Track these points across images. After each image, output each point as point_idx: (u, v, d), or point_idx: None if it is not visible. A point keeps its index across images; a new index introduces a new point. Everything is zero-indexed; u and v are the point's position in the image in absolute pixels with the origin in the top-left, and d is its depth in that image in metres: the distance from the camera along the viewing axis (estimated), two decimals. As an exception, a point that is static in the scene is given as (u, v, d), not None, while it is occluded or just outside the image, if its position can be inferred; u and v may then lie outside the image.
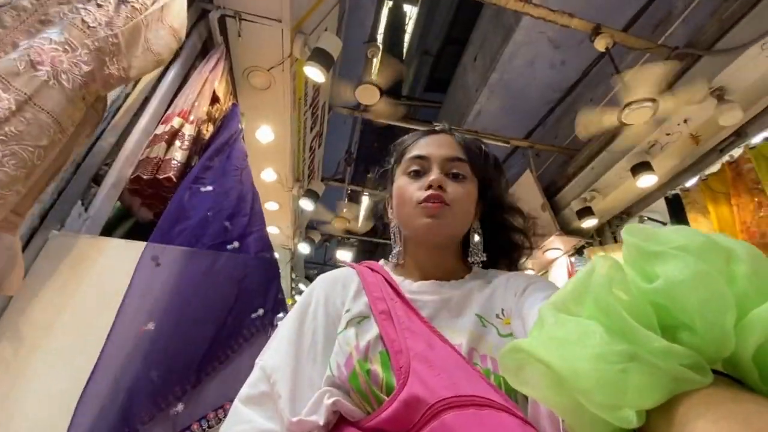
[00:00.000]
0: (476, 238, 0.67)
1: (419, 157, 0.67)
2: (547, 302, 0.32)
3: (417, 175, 0.66)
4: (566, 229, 3.47)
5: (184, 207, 1.27)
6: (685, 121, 2.52)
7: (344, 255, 5.63)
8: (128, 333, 1.01)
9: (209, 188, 1.33)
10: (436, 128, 0.74)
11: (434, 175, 0.64)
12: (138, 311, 1.05)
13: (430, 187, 0.63)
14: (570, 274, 3.52)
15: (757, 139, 2.51)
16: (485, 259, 0.67)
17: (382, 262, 0.72)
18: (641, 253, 0.28)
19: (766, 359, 0.23)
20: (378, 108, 2.73)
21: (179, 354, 1.03)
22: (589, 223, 3.28)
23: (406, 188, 0.66)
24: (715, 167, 2.78)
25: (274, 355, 0.57)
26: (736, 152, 2.63)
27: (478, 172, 0.69)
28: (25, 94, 0.77)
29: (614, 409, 0.25)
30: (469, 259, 0.67)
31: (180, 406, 0.98)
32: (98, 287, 1.14)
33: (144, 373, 0.97)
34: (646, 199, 3.30)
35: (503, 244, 0.73)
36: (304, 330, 0.59)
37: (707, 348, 0.24)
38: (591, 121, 2.32)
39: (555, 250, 3.66)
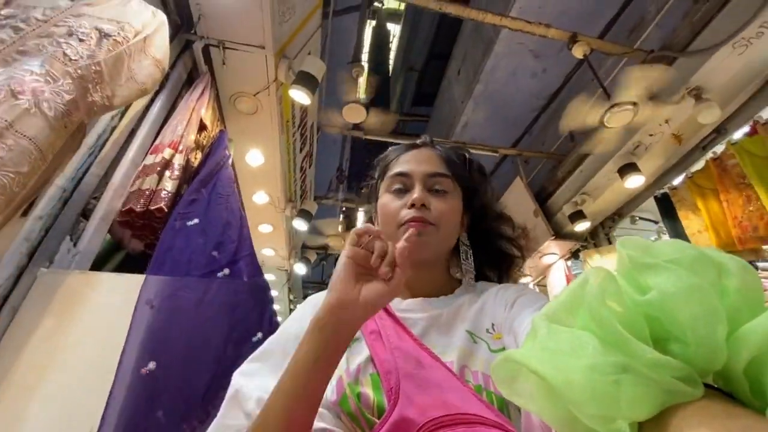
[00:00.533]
0: (467, 256, 0.66)
1: (401, 174, 0.67)
2: (540, 313, 0.32)
3: (400, 192, 0.66)
4: (560, 234, 3.49)
5: (171, 245, 1.28)
6: (667, 121, 2.58)
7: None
8: (130, 377, 1.01)
9: (195, 221, 1.33)
10: (418, 142, 0.73)
11: (417, 193, 0.63)
12: (137, 354, 1.04)
13: (413, 206, 0.62)
14: (568, 278, 3.52)
15: (737, 135, 2.56)
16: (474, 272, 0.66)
17: None
18: (635, 265, 0.28)
19: (757, 373, 0.23)
20: (368, 123, 2.75)
21: (183, 390, 1.03)
22: (582, 226, 3.30)
23: (390, 206, 0.65)
24: (699, 164, 2.83)
25: (251, 384, 0.54)
26: (719, 149, 2.69)
27: (462, 183, 0.69)
28: (6, 121, 0.76)
29: (607, 420, 0.25)
30: (459, 275, 0.66)
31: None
32: (91, 323, 1.12)
33: (151, 414, 0.96)
34: (636, 199, 3.34)
35: (491, 253, 0.72)
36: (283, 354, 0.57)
37: (699, 361, 0.24)
38: (577, 115, 2.34)
39: (551, 255, 3.68)
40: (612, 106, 2.18)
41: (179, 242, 1.29)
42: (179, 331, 1.10)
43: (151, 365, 1.02)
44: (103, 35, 0.98)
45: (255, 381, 0.52)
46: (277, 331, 0.61)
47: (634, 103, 2.15)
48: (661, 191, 3.12)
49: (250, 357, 0.58)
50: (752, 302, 0.25)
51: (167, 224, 1.34)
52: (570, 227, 3.36)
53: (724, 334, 0.24)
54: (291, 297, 5.21)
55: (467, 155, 0.74)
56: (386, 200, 0.66)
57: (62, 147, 0.92)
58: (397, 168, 0.68)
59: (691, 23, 2.33)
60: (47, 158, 0.85)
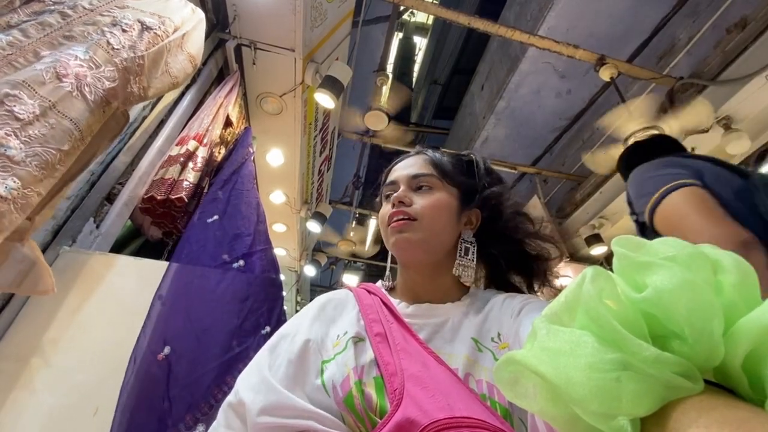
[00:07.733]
0: (467, 252, 0.64)
1: (390, 183, 0.70)
2: (540, 314, 0.32)
3: (389, 198, 0.68)
4: (575, 256, 3.43)
5: (189, 238, 1.31)
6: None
7: (350, 278, 5.58)
8: (145, 362, 1.02)
9: (215, 218, 1.37)
10: (412, 152, 0.75)
11: (398, 192, 0.66)
12: (153, 340, 1.06)
13: (395, 205, 0.65)
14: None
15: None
16: (473, 273, 0.63)
17: (379, 283, 0.72)
18: (631, 264, 0.29)
19: (755, 367, 0.23)
20: (386, 133, 2.78)
21: (191, 379, 1.04)
22: (599, 250, 3.24)
23: (381, 212, 0.68)
24: (725, 196, 2.75)
25: (247, 389, 0.52)
26: (747, 181, 2.62)
27: (453, 180, 0.68)
28: (50, 101, 0.81)
29: (609, 418, 0.25)
30: (453, 271, 0.63)
31: (201, 427, 0.98)
32: (106, 304, 1.15)
33: (158, 403, 0.98)
34: (656, 227, 3.26)
35: (515, 256, 0.68)
36: (281, 352, 0.56)
37: (697, 356, 0.24)
38: (622, 113, 2.28)
39: (565, 277, 3.61)
40: (640, 130, 2.14)
41: (198, 236, 1.32)
42: (192, 320, 1.11)
43: (167, 350, 1.04)
44: (145, 28, 1.03)
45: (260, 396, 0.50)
46: (281, 335, 0.60)
47: (656, 127, 2.12)
48: (683, 221, 3.04)
49: (255, 364, 0.56)
50: (748, 297, 0.25)
51: (189, 221, 1.37)
52: (586, 250, 3.31)
53: (720, 328, 0.24)
54: (298, 298, 5.24)
55: (474, 158, 0.74)
56: (381, 208, 0.70)
57: (101, 131, 0.97)
58: (388, 178, 0.72)
59: (723, 53, 2.30)
60: (86, 139, 0.90)
